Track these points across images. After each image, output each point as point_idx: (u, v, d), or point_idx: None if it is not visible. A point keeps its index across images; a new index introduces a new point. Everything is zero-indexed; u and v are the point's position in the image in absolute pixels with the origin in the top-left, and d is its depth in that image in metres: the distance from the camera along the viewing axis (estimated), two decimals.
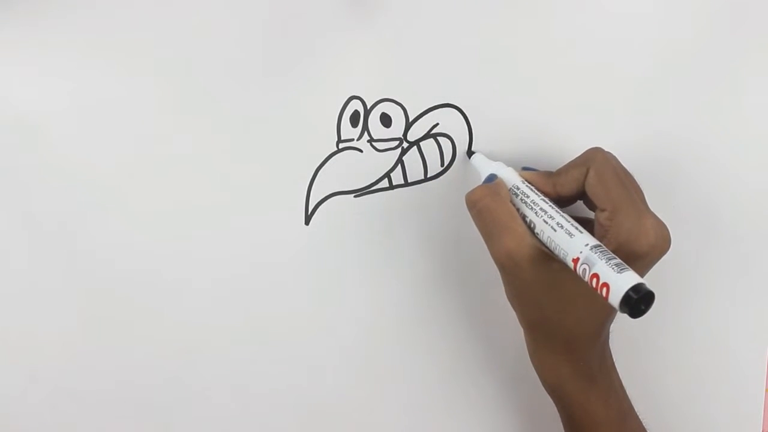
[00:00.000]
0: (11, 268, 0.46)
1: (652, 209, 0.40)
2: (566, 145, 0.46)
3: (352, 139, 0.47)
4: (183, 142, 0.46)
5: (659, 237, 0.39)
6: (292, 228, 0.47)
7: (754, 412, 0.51)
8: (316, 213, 0.47)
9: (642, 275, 0.39)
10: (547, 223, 0.39)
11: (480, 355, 0.50)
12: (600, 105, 0.47)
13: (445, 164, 0.47)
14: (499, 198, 0.41)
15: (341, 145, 0.47)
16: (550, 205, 0.40)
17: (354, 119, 0.46)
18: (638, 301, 0.34)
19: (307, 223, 0.47)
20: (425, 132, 0.47)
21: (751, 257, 0.50)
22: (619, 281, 0.35)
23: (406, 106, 0.47)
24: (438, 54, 0.46)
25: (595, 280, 0.36)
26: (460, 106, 0.47)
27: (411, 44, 0.46)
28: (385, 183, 0.47)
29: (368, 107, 0.46)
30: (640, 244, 0.38)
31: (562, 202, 0.42)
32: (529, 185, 0.42)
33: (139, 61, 0.45)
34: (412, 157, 0.47)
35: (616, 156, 0.42)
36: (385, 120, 0.47)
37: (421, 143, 0.47)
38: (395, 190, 0.48)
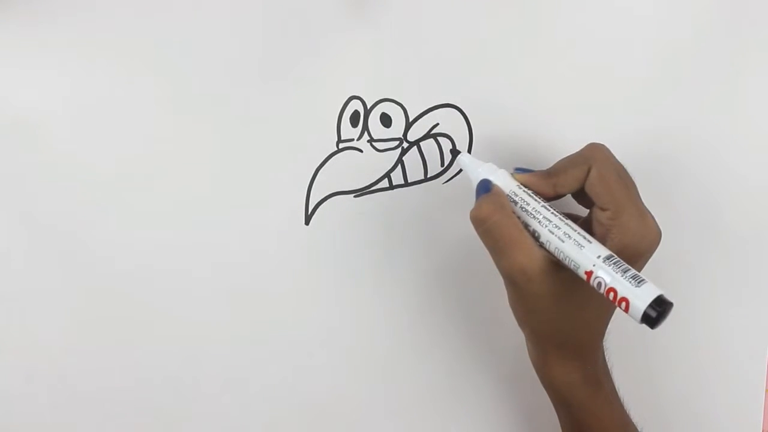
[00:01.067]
0: (10, 267, 0.46)
1: (652, 209, 0.40)
2: (566, 145, 0.46)
3: (352, 139, 0.47)
4: (183, 142, 0.46)
5: (657, 234, 0.39)
6: (292, 228, 0.47)
7: (754, 412, 0.51)
8: (316, 213, 0.47)
9: (641, 270, 0.39)
10: (553, 233, 0.38)
11: (480, 355, 0.49)
12: (600, 105, 0.47)
13: (445, 164, 0.47)
14: (505, 213, 0.39)
15: (341, 145, 0.47)
16: (552, 213, 0.39)
17: (354, 119, 0.46)
18: (659, 315, 0.34)
19: (307, 223, 0.47)
20: (425, 132, 0.47)
21: (751, 257, 0.50)
22: (640, 296, 0.35)
23: (406, 106, 0.47)
24: (438, 54, 0.46)
25: (612, 293, 0.36)
26: (460, 106, 0.47)
27: (411, 44, 0.46)
28: (385, 183, 0.47)
29: (368, 107, 0.46)
30: (643, 243, 0.38)
31: (554, 199, 0.41)
32: (525, 190, 0.40)
33: (139, 61, 0.45)
34: (412, 157, 0.47)
35: (614, 153, 0.41)
36: (385, 120, 0.47)
37: (421, 143, 0.47)
38: (395, 190, 0.48)
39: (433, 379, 0.50)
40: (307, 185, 0.47)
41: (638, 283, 0.35)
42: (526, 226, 0.40)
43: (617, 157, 0.41)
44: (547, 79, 0.47)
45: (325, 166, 0.47)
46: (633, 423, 0.44)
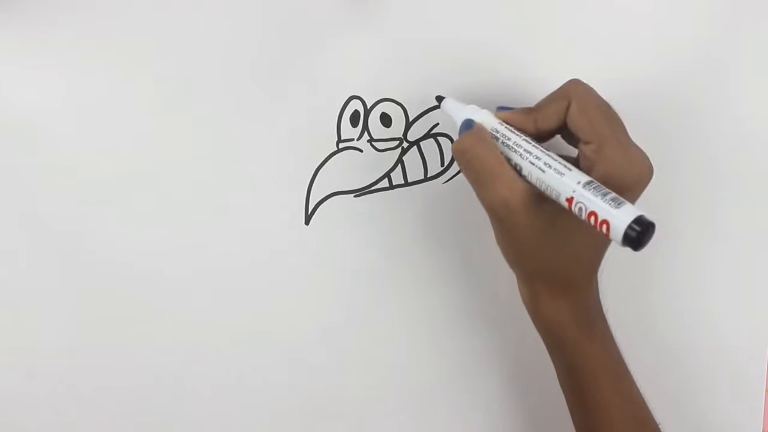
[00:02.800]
0: (11, 267, 0.46)
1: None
2: (566, 144, 0.46)
3: (352, 139, 0.47)
4: (183, 142, 0.46)
5: (645, 167, 0.39)
6: (292, 228, 0.47)
7: (754, 412, 0.51)
8: (316, 213, 0.47)
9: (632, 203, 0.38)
10: (534, 164, 0.38)
11: (480, 354, 0.50)
12: None
13: (445, 164, 0.47)
14: (486, 145, 0.39)
15: (341, 145, 0.47)
16: (533, 145, 0.39)
17: (354, 119, 0.46)
18: (640, 234, 0.34)
19: (307, 223, 0.47)
20: (425, 132, 0.47)
21: (751, 257, 0.50)
22: (619, 216, 0.34)
23: (406, 106, 0.47)
24: (438, 54, 0.46)
25: (593, 217, 0.35)
26: None
27: (411, 44, 0.46)
28: (385, 183, 0.47)
29: (368, 107, 0.46)
30: (630, 175, 0.38)
31: (541, 138, 0.41)
32: (507, 126, 0.40)
33: (138, 61, 0.45)
34: (412, 157, 0.47)
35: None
36: (385, 120, 0.47)
37: (421, 143, 0.47)
38: (395, 190, 0.48)
39: (434, 379, 0.50)
40: (307, 185, 0.47)
41: (617, 205, 0.35)
42: (509, 160, 0.39)
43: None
44: (548, 78, 0.46)
45: (325, 166, 0.47)
46: (628, 371, 0.43)
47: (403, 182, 0.47)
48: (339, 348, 0.49)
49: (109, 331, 0.47)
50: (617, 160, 0.38)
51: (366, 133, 0.47)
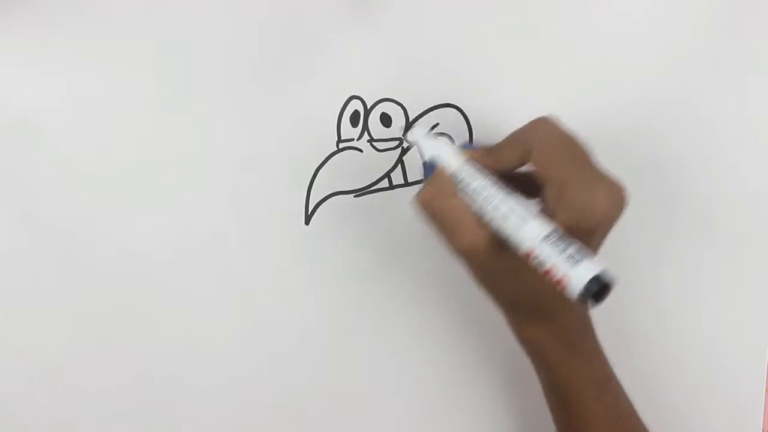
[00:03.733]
0: (11, 267, 0.46)
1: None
2: None
3: (352, 139, 0.47)
4: (183, 142, 0.46)
5: (612, 202, 0.38)
6: (292, 228, 0.47)
7: (754, 412, 0.51)
8: (316, 213, 0.47)
9: (601, 241, 0.38)
10: (495, 212, 0.38)
11: (479, 355, 0.49)
12: (600, 105, 0.47)
13: None
14: (446, 196, 0.39)
15: (341, 145, 0.47)
16: (497, 189, 0.38)
17: (354, 119, 0.46)
18: (597, 294, 0.34)
19: (307, 223, 0.47)
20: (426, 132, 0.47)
21: (751, 257, 0.50)
22: (576, 276, 0.34)
23: (406, 106, 0.47)
24: (438, 54, 0.46)
25: (549, 275, 0.35)
26: (460, 106, 0.47)
27: (411, 44, 0.46)
28: (385, 183, 0.47)
29: (368, 107, 0.46)
30: (592, 216, 0.37)
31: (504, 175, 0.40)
32: (474, 165, 0.40)
33: (139, 61, 0.45)
34: (412, 157, 0.47)
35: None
36: (385, 120, 0.47)
37: None
38: (395, 190, 0.48)
39: (434, 378, 0.50)
40: (307, 185, 0.47)
41: (575, 263, 0.34)
42: (472, 204, 0.39)
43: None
44: (548, 78, 0.47)
45: (325, 166, 0.47)
46: (615, 378, 0.43)
47: (403, 182, 0.47)
48: (339, 348, 0.49)
49: (108, 331, 0.47)
50: (578, 204, 0.37)
51: (366, 133, 0.47)
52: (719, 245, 0.50)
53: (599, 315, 0.50)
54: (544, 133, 0.39)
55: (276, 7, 0.45)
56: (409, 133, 0.42)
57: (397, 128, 0.47)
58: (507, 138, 0.40)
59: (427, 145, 0.41)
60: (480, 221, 0.38)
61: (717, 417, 0.51)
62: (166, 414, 0.48)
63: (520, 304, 0.41)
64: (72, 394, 0.48)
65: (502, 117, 0.47)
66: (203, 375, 0.48)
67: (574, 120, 0.47)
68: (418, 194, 0.40)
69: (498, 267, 0.39)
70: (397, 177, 0.47)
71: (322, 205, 0.47)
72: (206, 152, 0.46)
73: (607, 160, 0.47)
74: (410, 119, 0.47)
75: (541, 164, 0.38)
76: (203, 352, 0.48)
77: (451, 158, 0.40)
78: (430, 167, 0.41)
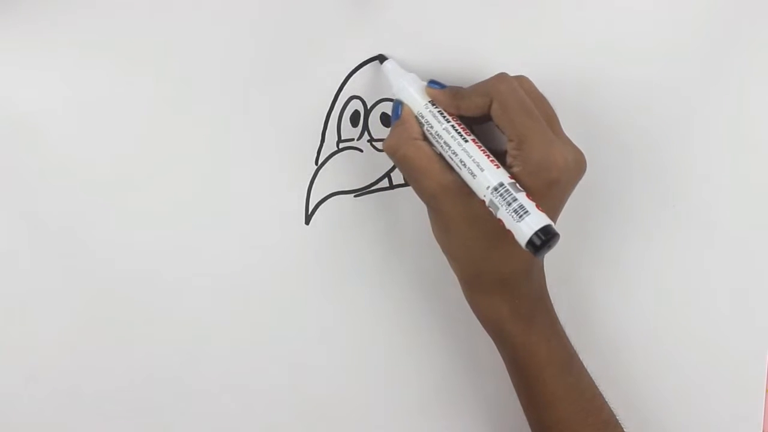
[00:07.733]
0: (11, 267, 0.46)
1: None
2: None
3: (352, 139, 0.47)
4: (182, 142, 0.46)
5: (570, 162, 0.39)
6: (292, 228, 0.47)
7: (754, 412, 0.51)
8: (316, 213, 0.47)
9: (562, 202, 0.40)
10: (452, 159, 0.39)
11: (481, 354, 0.49)
12: (600, 105, 0.47)
13: None
14: (412, 142, 0.40)
15: (341, 145, 0.47)
16: (453, 137, 0.40)
17: (354, 119, 0.46)
18: (540, 246, 0.36)
19: (307, 223, 0.47)
20: None
21: (750, 257, 0.50)
22: (520, 229, 0.36)
23: None
24: (438, 54, 0.46)
25: (501, 223, 0.37)
26: None
27: (411, 44, 0.46)
28: (385, 183, 0.47)
29: (368, 107, 0.46)
30: (549, 173, 0.38)
31: (476, 120, 0.41)
32: (433, 109, 0.41)
33: (139, 61, 0.45)
34: None
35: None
36: (385, 120, 0.47)
37: None
38: (395, 189, 0.48)
39: (434, 379, 0.50)
40: (307, 185, 0.47)
41: (520, 216, 0.36)
42: (437, 147, 0.40)
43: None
44: (547, 78, 0.46)
45: (325, 166, 0.47)
46: (577, 358, 0.43)
47: (403, 182, 0.47)
48: (339, 348, 0.49)
49: (109, 331, 0.47)
50: (536, 159, 0.38)
51: (366, 133, 0.47)
52: (719, 245, 0.50)
53: (599, 315, 0.50)
54: (502, 92, 0.40)
55: (276, 7, 0.45)
56: (384, 65, 0.44)
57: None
58: (471, 87, 0.41)
59: (395, 79, 0.43)
60: (447, 166, 0.40)
61: (717, 417, 0.51)
62: (166, 414, 0.48)
63: (476, 263, 0.41)
64: (72, 395, 0.47)
65: None
66: (203, 376, 0.48)
67: (573, 119, 0.47)
68: (386, 141, 0.42)
69: (458, 213, 0.40)
70: (397, 177, 0.47)
71: (322, 205, 0.47)
72: (206, 152, 0.46)
73: (605, 158, 0.47)
74: None
75: (501, 120, 0.39)
76: (203, 353, 0.48)
77: (415, 98, 0.42)
78: (395, 113, 0.42)
